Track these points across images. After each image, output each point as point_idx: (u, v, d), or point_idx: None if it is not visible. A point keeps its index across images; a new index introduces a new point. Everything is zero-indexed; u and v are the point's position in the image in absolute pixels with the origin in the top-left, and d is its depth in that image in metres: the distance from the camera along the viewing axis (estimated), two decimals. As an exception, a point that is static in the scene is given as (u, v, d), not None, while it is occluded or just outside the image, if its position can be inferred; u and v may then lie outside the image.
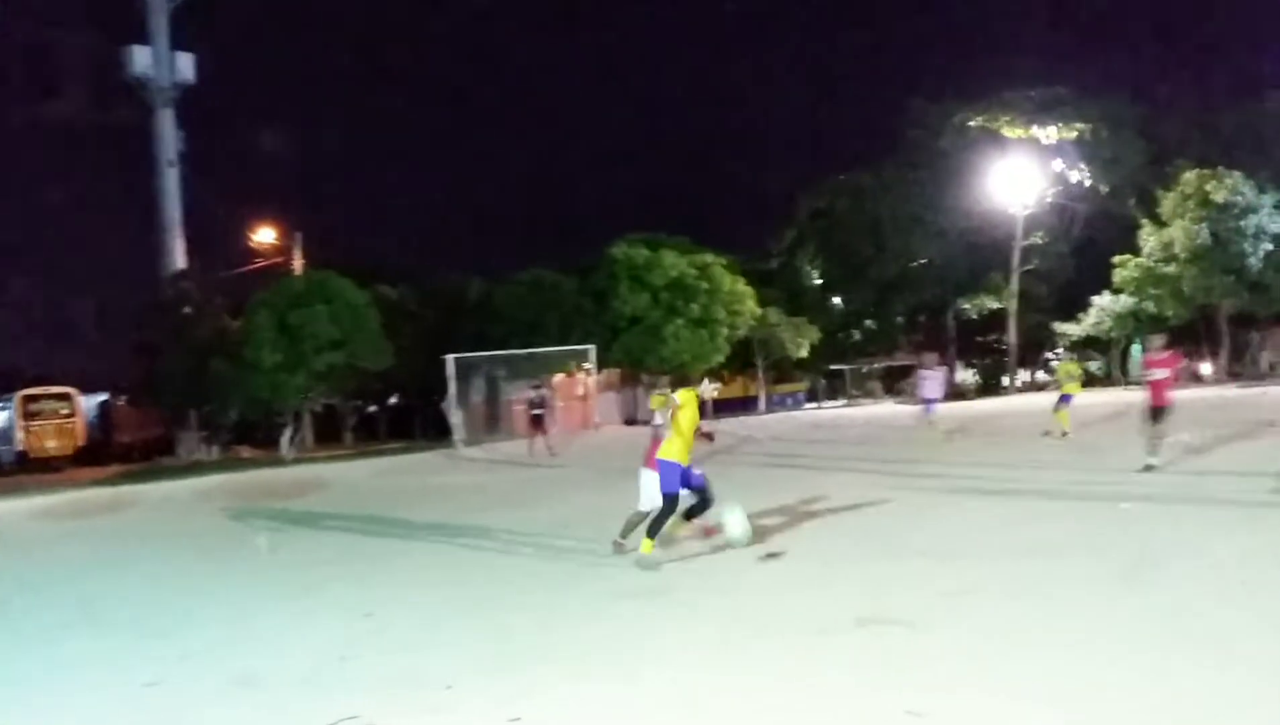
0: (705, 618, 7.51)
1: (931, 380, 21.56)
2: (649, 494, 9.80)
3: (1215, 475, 12.93)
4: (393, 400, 48.57)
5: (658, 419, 9.87)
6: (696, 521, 9.96)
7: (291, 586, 10.10)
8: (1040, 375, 52.21)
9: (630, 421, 41.47)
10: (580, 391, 39.14)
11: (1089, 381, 51.26)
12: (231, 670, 7.05)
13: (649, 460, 9.95)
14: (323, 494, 20.53)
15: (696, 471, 9.77)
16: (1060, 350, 51.40)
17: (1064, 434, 20.23)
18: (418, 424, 44.05)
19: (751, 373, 48.05)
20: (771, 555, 9.42)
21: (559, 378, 37.81)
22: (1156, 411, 13.89)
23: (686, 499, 9.75)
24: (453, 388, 33.63)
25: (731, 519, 9.74)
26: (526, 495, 17.04)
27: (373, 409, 48.71)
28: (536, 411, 26.16)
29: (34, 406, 42.61)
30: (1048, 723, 4.95)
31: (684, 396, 9.54)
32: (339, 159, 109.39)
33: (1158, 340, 14.86)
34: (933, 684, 5.57)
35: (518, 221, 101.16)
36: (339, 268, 36.92)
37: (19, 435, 42.11)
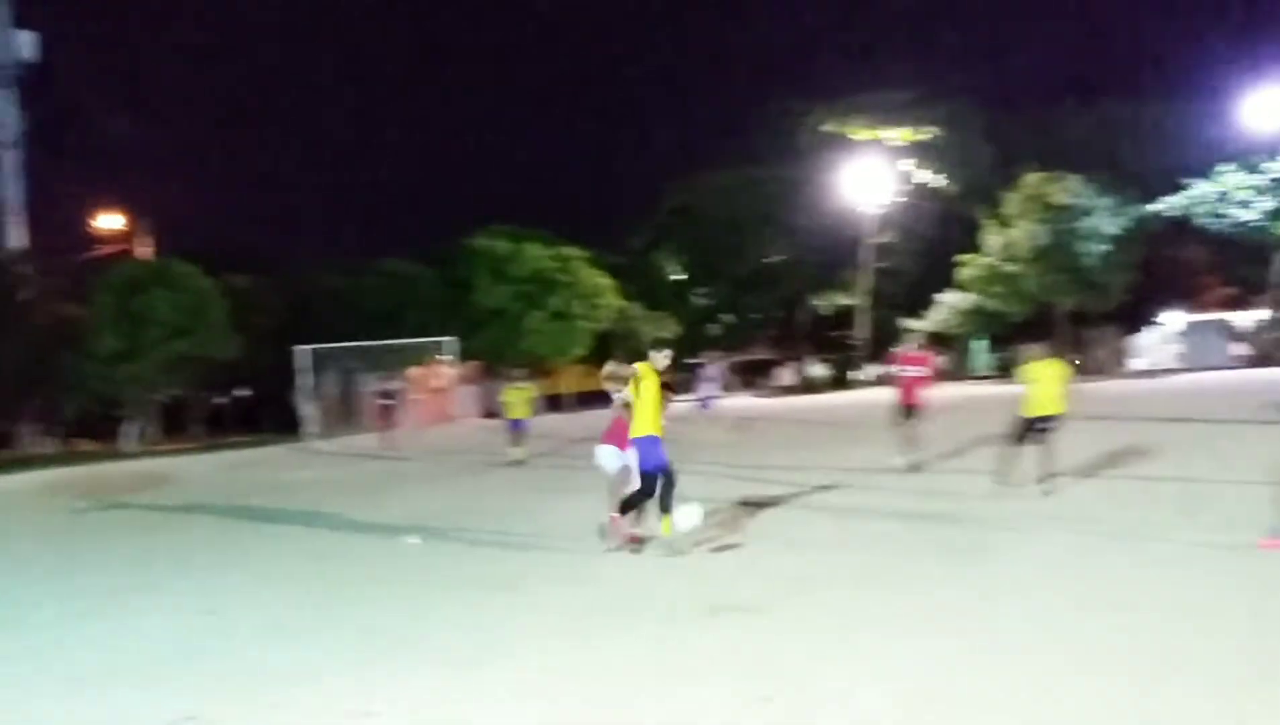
0: (557, 607, 7.56)
1: (710, 380, 22.45)
2: (610, 465, 9.75)
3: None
4: (242, 392, 47.24)
5: (616, 397, 9.55)
6: (625, 526, 9.46)
7: (132, 583, 9.79)
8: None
9: (490, 415, 41.24)
10: (438, 384, 38.74)
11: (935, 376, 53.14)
12: (67, 668, 6.83)
13: (612, 437, 9.77)
14: (167, 489, 19.87)
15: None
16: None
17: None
18: (268, 417, 42.94)
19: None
20: (635, 544, 9.45)
21: (416, 371, 37.35)
22: (908, 410, 13.75)
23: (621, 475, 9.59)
24: (305, 380, 32.94)
25: (685, 514, 9.14)
26: (376, 489, 16.84)
27: (221, 401, 47.29)
28: (385, 402, 25.92)
29: None
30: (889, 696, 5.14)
31: (643, 369, 9.14)
32: (193, 144, 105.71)
33: (913, 338, 14.71)
34: (782, 669, 5.74)
35: (377, 211, 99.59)
36: (187, 254, 35.76)
37: None
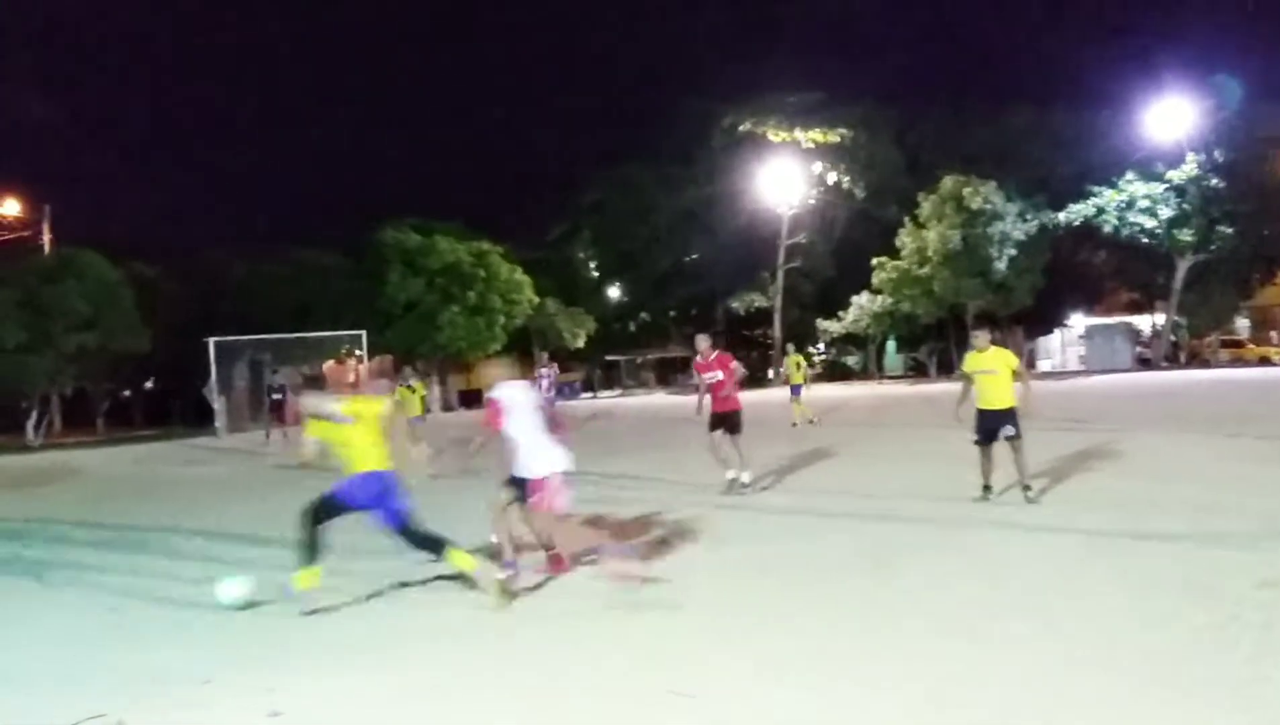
0: (461, 606, 7.55)
1: (547, 379, 22.90)
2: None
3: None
4: (148, 385, 46.24)
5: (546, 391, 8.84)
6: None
7: (30, 582, 9.56)
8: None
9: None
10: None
11: (848, 375, 54.03)
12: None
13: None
14: (70, 483, 19.43)
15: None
16: (821, 345, 53.88)
17: (811, 421, 21.49)
18: (176, 410, 42.10)
19: (529, 362, 48.22)
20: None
21: (329, 364, 36.75)
22: (721, 419, 12.31)
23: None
24: (214, 372, 32.33)
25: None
26: (279, 484, 16.60)
27: (127, 393, 46.23)
28: (275, 397, 25.52)
29: None
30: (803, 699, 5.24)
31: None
32: (97, 127, 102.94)
33: (703, 341, 12.90)
34: (695, 662, 5.82)
35: (288, 201, 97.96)
36: (91, 243, 34.86)
37: None
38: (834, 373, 53.75)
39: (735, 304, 52.08)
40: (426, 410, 19.91)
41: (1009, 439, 10.36)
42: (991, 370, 10.43)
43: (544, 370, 23.03)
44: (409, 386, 19.75)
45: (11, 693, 6.14)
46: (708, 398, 12.42)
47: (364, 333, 36.65)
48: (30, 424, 33.11)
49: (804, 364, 23.61)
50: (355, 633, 7.08)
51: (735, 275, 50.86)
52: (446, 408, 43.03)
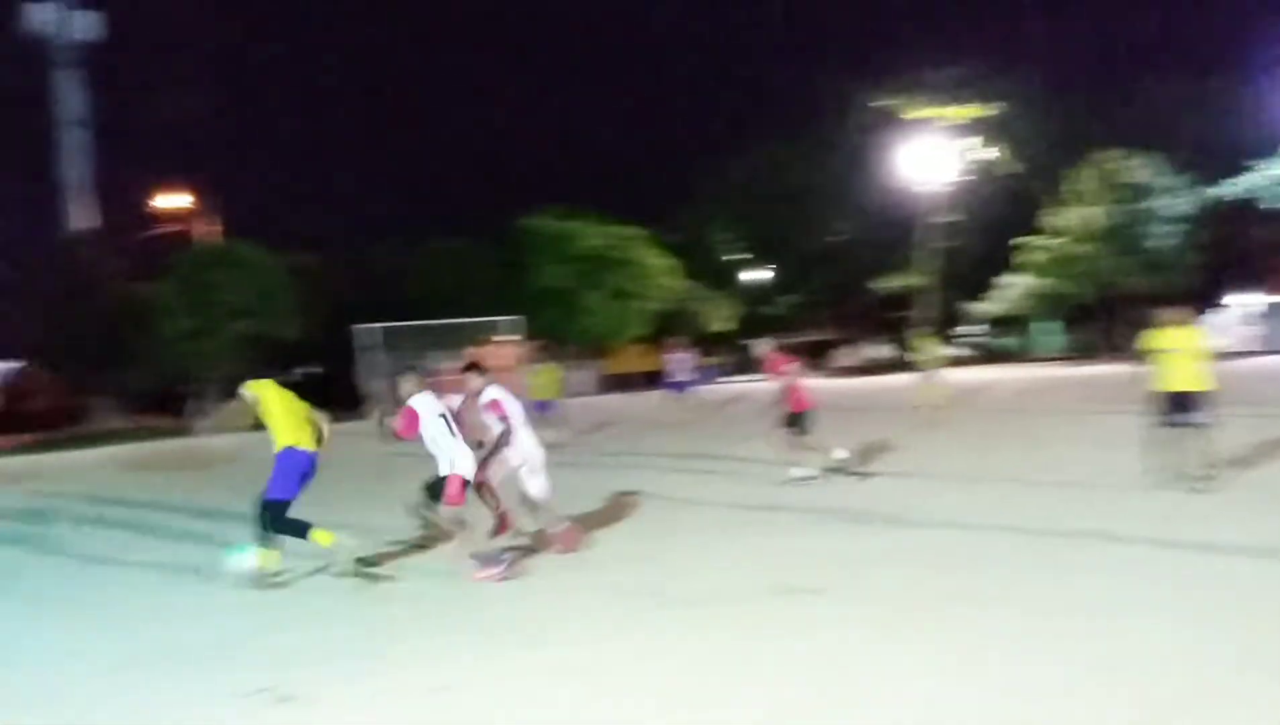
0: (606, 591, 7.54)
1: (681, 364, 22.93)
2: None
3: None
4: (312, 369, 47.88)
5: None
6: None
7: (200, 560, 9.91)
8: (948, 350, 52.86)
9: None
10: (498, 364, 38.86)
11: (998, 357, 52.57)
12: (149, 640, 7.01)
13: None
14: (235, 466, 20.22)
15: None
16: (970, 327, 52.57)
17: (940, 406, 20.74)
18: (332, 395, 43.40)
19: (671, 346, 48.29)
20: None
21: (475, 350, 37.49)
22: (795, 417, 12.17)
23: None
24: (367, 358, 33.25)
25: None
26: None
27: (289, 378, 47.92)
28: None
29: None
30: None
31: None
32: (255, 123, 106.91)
33: (765, 344, 13.04)
34: (833, 649, 5.69)
35: (434, 191, 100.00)
36: (251, 234, 36.27)
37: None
38: (985, 355, 52.31)
39: (881, 285, 50.76)
40: (561, 395, 19.82)
41: (1195, 425, 9.61)
42: (1179, 349, 9.73)
43: (676, 355, 23.01)
44: (545, 368, 19.80)
45: (188, 664, 6.42)
46: (790, 396, 12.26)
47: (510, 319, 37.20)
48: (196, 408, 34.58)
49: (933, 346, 22.70)
50: (507, 615, 7.17)
51: (881, 256, 49.78)
52: (586, 393, 43.36)
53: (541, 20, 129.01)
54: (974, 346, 54.05)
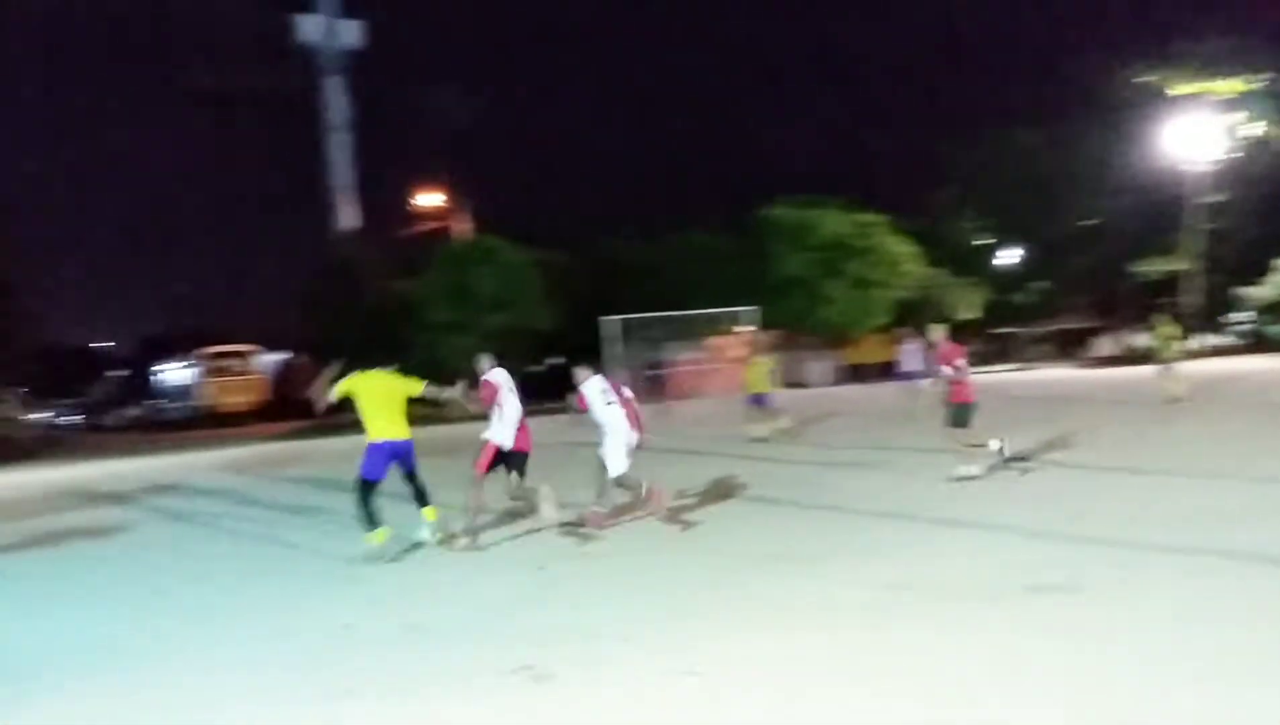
0: (858, 580, 7.49)
1: (912, 355, 21.95)
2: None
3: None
4: (557, 361, 49.36)
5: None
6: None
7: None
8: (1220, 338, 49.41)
9: (789, 384, 41.23)
10: (738, 354, 39.05)
11: (1275, 346, 48.77)
12: (411, 616, 7.38)
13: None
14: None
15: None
16: (1241, 314, 49.04)
17: (1179, 399, 19.56)
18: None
19: (910, 335, 47.20)
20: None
21: (717, 340, 37.81)
22: (960, 409, 11.86)
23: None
24: (612, 350, 34.00)
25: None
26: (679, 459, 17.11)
27: (534, 370, 49.62)
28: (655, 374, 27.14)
29: (218, 364, 45.03)
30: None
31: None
32: (505, 124, 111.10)
33: (938, 331, 12.39)
34: (1101, 657, 5.49)
35: (677, 183, 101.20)
36: (502, 230, 37.67)
37: (204, 391, 44.56)
38: (1254, 343, 48.62)
39: (1141, 269, 47.87)
40: (774, 387, 19.58)
41: None
42: None
43: (908, 346, 22.54)
44: (758, 361, 19.65)
45: (446, 640, 6.77)
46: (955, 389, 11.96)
47: (751, 309, 37.26)
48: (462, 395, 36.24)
49: (1172, 336, 21.18)
50: (758, 599, 7.20)
51: (1139, 240, 46.98)
52: (830, 382, 42.94)
53: (779, 16, 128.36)
54: (1243, 334, 50.38)
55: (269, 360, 49.01)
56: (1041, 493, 10.68)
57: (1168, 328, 21.06)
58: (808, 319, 40.04)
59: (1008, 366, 51.45)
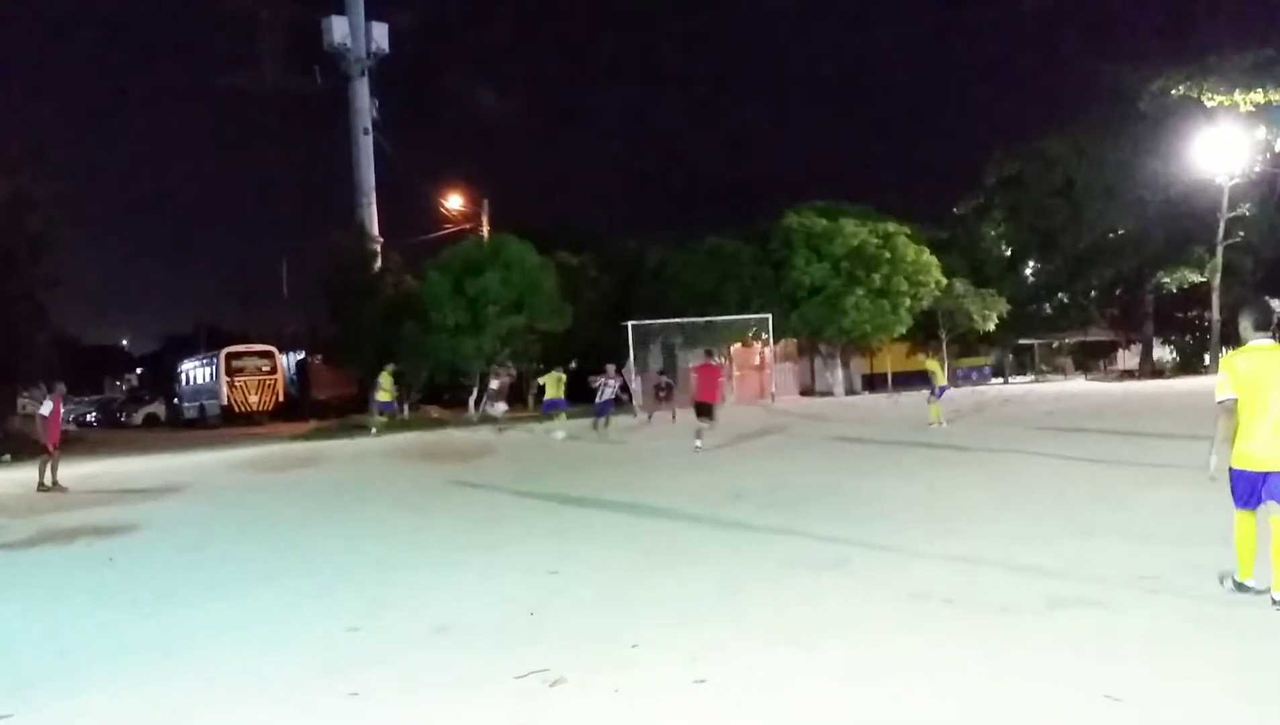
0: (882, 590, 7.36)
1: (609, 386, 25.92)
2: None
3: None
4: (569, 366, 49.35)
5: None
6: None
7: (477, 543, 10.37)
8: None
9: (807, 392, 41.11)
10: (757, 362, 39.00)
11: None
12: (426, 620, 7.30)
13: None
14: (500, 456, 21.04)
15: None
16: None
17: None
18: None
19: (934, 346, 46.89)
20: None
21: (737, 347, 37.77)
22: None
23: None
24: (632, 354, 33.97)
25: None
26: (699, 462, 17.07)
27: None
28: (666, 381, 29.88)
29: (237, 363, 45.19)
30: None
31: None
32: (528, 127, 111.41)
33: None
34: (1129, 667, 5.34)
35: (696, 189, 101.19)
36: (521, 232, 37.53)
37: (223, 391, 44.69)
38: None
39: (1165, 280, 47.26)
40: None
41: None
42: None
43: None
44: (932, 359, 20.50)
45: (463, 644, 6.67)
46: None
47: (769, 317, 37.14)
48: (471, 400, 36.20)
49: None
50: (774, 607, 7.09)
51: (1165, 252, 46.54)
52: (850, 391, 42.73)
53: (801, 19, 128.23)
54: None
55: (287, 361, 49.17)
56: (1068, 505, 10.53)
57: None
58: (827, 328, 39.82)
59: (1026, 378, 51.18)
